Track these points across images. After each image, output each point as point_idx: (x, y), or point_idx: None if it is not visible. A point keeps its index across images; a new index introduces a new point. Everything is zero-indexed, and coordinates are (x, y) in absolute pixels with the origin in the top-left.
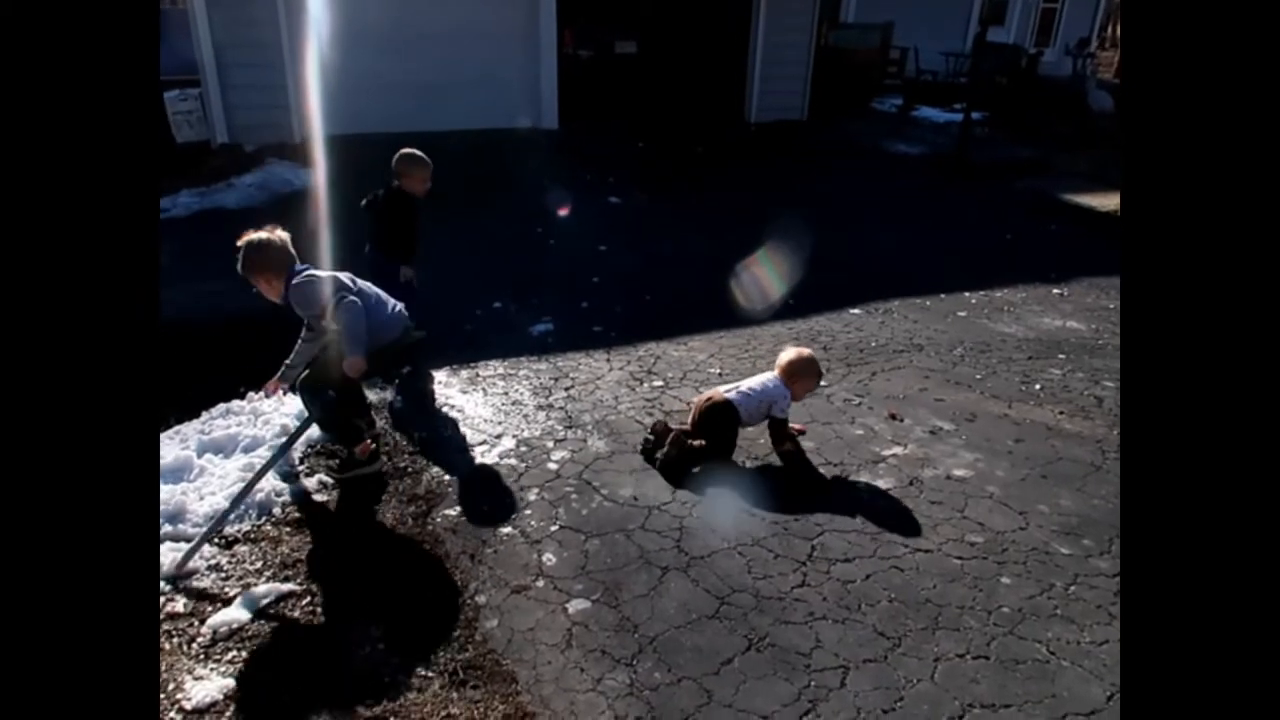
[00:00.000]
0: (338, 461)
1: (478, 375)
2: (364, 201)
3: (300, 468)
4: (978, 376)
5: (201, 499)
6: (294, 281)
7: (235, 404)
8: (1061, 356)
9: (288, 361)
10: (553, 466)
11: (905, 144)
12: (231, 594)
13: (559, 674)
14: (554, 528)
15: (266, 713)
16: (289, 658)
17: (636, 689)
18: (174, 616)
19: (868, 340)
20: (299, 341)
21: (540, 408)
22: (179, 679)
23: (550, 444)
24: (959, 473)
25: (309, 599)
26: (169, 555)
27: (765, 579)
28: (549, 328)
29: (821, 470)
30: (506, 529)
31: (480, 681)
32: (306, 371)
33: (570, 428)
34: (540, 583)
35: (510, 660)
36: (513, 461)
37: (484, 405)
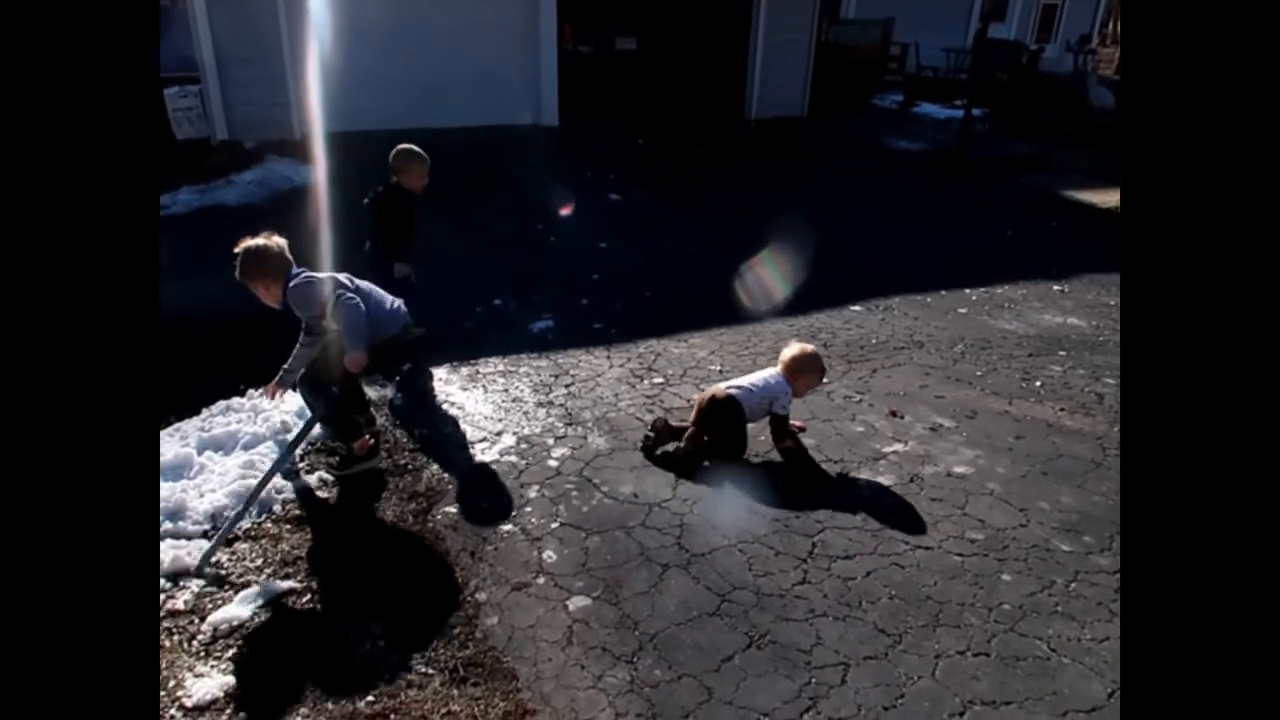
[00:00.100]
0: (338, 459)
1: (478, 372)
2: (365, 199)
3: (301, 465)
4: (978, 373)
5: (201, 496)
6: (292, 284)
7: (235, 401)
8: (1062, 353)
9: (286, 365)
10: (553, 463)
11: (906, 140)
12: (232, 591)
13: (559, 671)
14: (554, 525)
15: (267, 710)
16: (289, 655)
17: (637, 686)
18: (174, 614)
19: (868, 337)
20: (297, 345)
21: (541, 405)
22: (179, 676)
23: (551, 441)
24: (959, 470)
25: (309, 596)
26: (169, 553)
27: (766, 576)
28: (549, 325)
29: (822, 467)
30: (507, 526)
31: (481, 679)
32: (309, 368)
33: (571, 425)
34: (541, 580)
35: (511, 657)
36: (513, 459)
37: (484, 402)
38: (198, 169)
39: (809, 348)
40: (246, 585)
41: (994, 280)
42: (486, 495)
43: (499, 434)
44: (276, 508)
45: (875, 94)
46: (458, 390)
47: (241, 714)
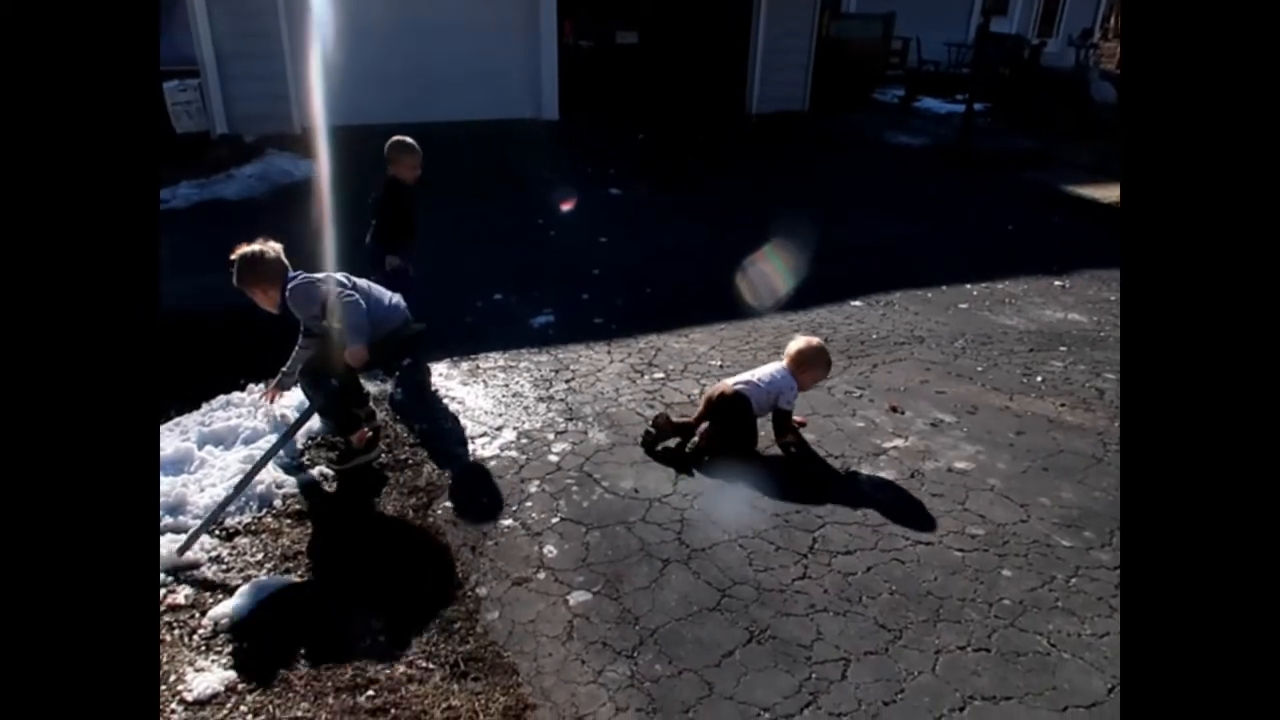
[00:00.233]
0: (337, 453)
1: (478, 367)
2: (370, 198)
3: (301, 459)
4: (979, 369)
5: (202, 490)
6: (291, 286)
7: (235, 396)
8: (1063, 349)
9: (284, 368)
10: (553, 458)
11: (907, 135)
12: (233, 586)
13: (560, 666)
14: (555, 520)
15: (267, 704)
16: (290, 649)
17: (637, 681)
18: (175, 608)
19: (869, 332)
20: (295, 348)
21: (541, 400)
22: (180, 670)
23: (551, 436)
24: (960, 465)
25: (310, 591)
26: (169, 547)
27: (766, 571)
28: (549, 320)
29: (823, 463)
30: (507, 521)
31: (481, 673)
32: (310, 360)
33: (571, 420)
34: (541, 575)
35: (511, 652)
36: (513, 454)
37: (485, 397)
38: (197, 163)
39: (815, 341)
40: (247, 580)
41: (995, 275)
42: (487, 490)
43: (499, 429)
44: (277, 502)
45: (876, 89)
46: (458, 385)
47: (242, 708)
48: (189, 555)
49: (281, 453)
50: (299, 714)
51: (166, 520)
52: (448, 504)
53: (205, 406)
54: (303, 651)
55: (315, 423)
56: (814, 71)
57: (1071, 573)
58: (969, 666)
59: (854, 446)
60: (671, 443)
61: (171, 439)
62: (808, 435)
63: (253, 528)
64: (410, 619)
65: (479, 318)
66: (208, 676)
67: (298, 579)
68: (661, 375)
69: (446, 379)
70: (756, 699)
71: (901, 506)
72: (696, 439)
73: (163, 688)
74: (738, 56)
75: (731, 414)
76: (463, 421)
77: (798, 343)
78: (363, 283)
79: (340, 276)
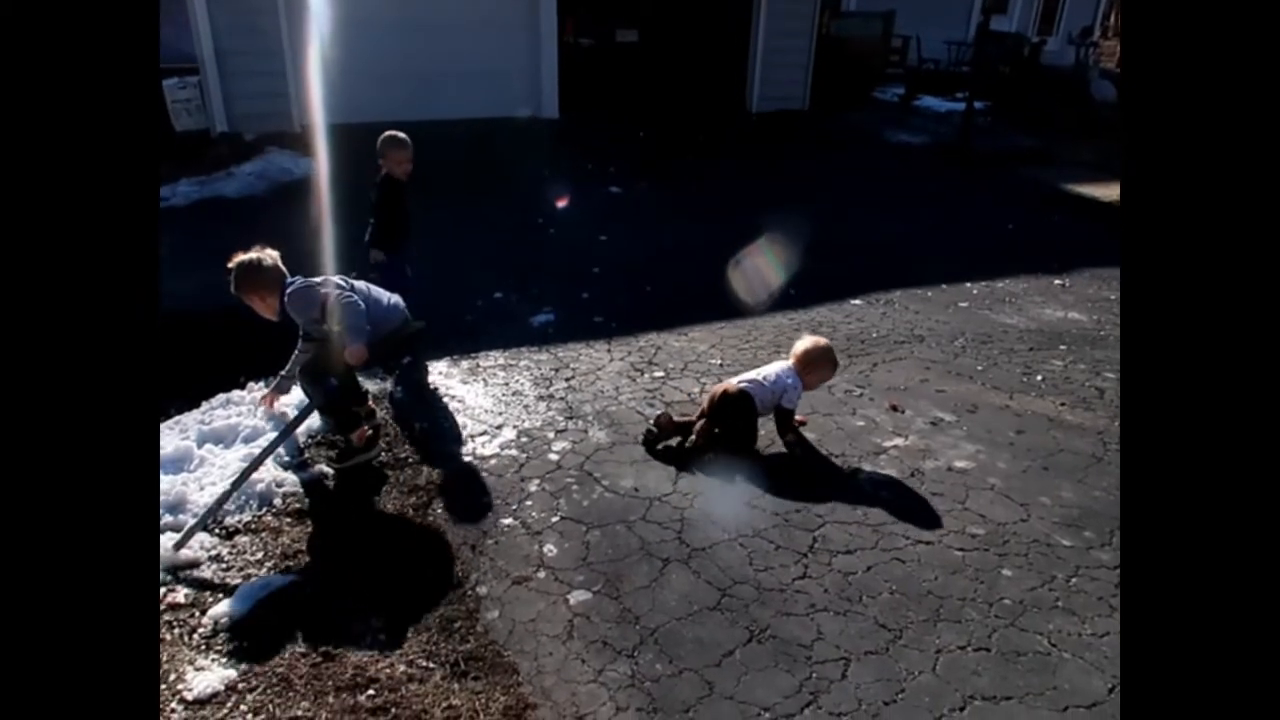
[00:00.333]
0: (337, 452)
1: (478, 366)
2: (370, 198)
3: (301, 458)
4: (979, 368)
5: (202, 489)
6: (289, 291)
7: (235, 394)
8: (1063, 348)
9: (283, 373)
10: (553, 457)
11: (907, 134)
12: (232, 584)
13: (560, 665)
14: (555, 519)
15: (267, 704)
16: (290, 648)
17: (638, 680)
18: (175, 607)
19: (869, 331)
20: (294, 353)
21: (541, 398)
22: (180, 669)
23: (551, 435)
24: (960, 464)
25: (310, 589)
26: (167, 544)
27: (766, 570)
28: (549, 318)
29: (824, 462)
30: (507, 520)
31: (481, 672)
32: (309, 357)
33: (571, 418)
34: (541, 574)
35: (511, 651)
36: (513, 452)
37: (485, 396)
38: (197, 161)
39: (822, 341)
40: (247, 578)
41: (995, 274)
42: (487, 489)
43: (499, 428)
44: (277, 501)
45: (876, 87)
46: (458, 384)
47: (242, 707)
48: (188, 553)
49: (281, 451)
50: (299, 713)
51: (166, 519)
52: (448, 502)
53: (205, 405)
54: (303, 651)
55: (315, 421)
56: (814, 70)
57: (1072, 572)
58: (969, 666)
59: (854, 446)
60: (672, 441)
61: (171, 437)
62: (808, 434)
63: (253, 526)
64: (410, 618)
65: (479, 316)
66: (208, 675)
67: (298, 577)
68: (661, 374)
69: (446, 377)
70: (757, 698)
71: (902, 506)
72: (694, 437)
73: (163, 687)
74: (738, 55)
75: (735, 413)
76: (462, 420)
77: (804, 342)
78: (361, 284)
79: (338, 279)
